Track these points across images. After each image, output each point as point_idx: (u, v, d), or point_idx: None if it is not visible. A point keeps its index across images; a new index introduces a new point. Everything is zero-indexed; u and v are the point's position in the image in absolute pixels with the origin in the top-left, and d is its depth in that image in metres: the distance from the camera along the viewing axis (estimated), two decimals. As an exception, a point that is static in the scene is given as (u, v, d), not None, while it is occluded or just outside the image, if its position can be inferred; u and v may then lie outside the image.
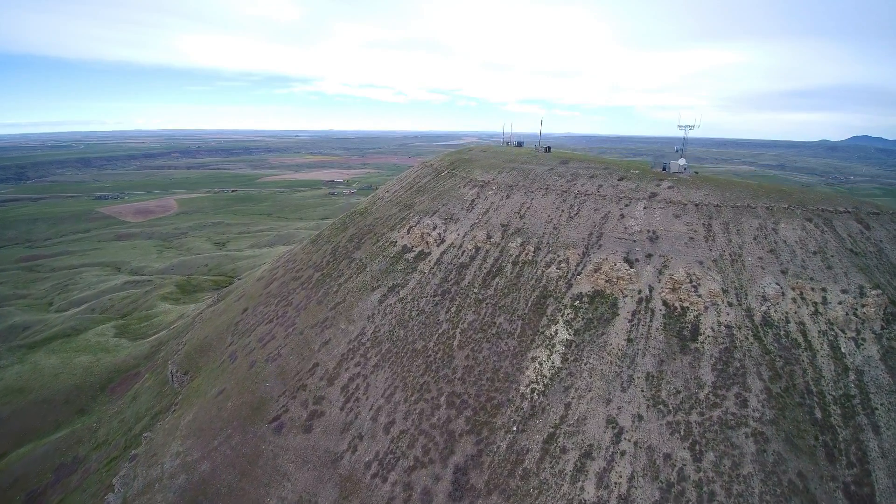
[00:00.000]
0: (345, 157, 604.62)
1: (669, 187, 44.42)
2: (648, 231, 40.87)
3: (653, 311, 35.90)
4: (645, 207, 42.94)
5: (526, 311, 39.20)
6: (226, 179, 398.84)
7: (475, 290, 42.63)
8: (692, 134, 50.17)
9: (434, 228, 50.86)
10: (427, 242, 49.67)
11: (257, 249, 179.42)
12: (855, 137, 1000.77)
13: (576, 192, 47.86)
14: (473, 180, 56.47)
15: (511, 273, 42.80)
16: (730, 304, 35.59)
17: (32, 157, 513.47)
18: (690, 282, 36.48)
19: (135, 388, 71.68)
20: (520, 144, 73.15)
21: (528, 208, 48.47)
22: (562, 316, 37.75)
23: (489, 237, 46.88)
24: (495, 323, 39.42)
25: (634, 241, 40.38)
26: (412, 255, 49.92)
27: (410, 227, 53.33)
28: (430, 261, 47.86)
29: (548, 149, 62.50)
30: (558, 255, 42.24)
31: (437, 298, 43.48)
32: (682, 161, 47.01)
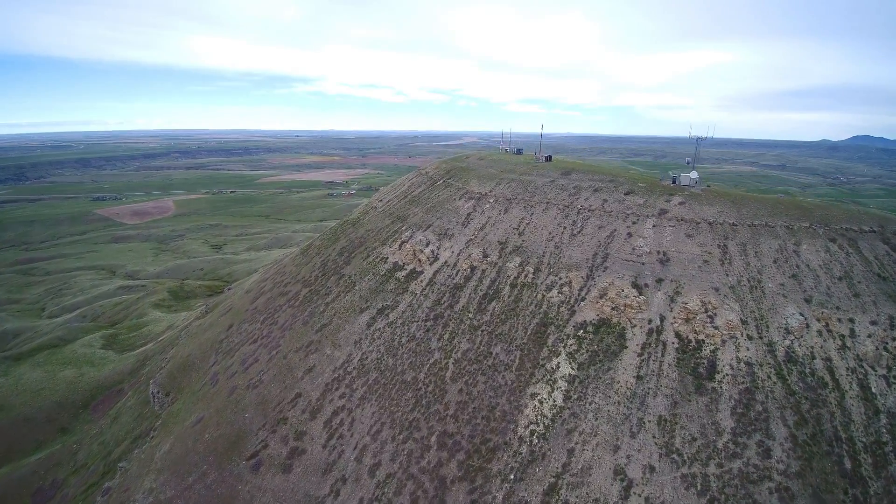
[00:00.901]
0: (344, 157, 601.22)
1: (680, 203, 41.11)
2: (658, 252, 37.60)
3: (664, 345, 32.65)
4: (654, 226, 39.65)
5: (525, 341, 36.00)
6: (225, 180, 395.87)
7: (470, 316, 39.44)
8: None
9: (427, 245, 47.65)
10: (419, 260, 46.48)
11: (254, 252, 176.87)
12: (856, 137, 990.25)
13: (579, 207, 44.58)
14: (470, 192, 53.20)
15: (509, 297, 39.60)
16: (749, 338, 32.32)
17: (32, 158, 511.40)
18: (706, 311, 33.22)
19: (117, 407, 68.95)
20: (519, 152, 69.69)
21: (528, 224, 45.22)
22: (564, 347, 34.53)
23: (485, 256, 43.68)
24: (491, 353, 36.24)
25: (643, 264, 37.11)
26: (403, 273, 46.73)
27: (402, 242, 50.14)
28: (422, 280, 44.67)
29: (549, 158, 59.11)
30: (560, 278, 39.01)
31: (428, 323, 40.30)
32: (693, 174, 43.59)
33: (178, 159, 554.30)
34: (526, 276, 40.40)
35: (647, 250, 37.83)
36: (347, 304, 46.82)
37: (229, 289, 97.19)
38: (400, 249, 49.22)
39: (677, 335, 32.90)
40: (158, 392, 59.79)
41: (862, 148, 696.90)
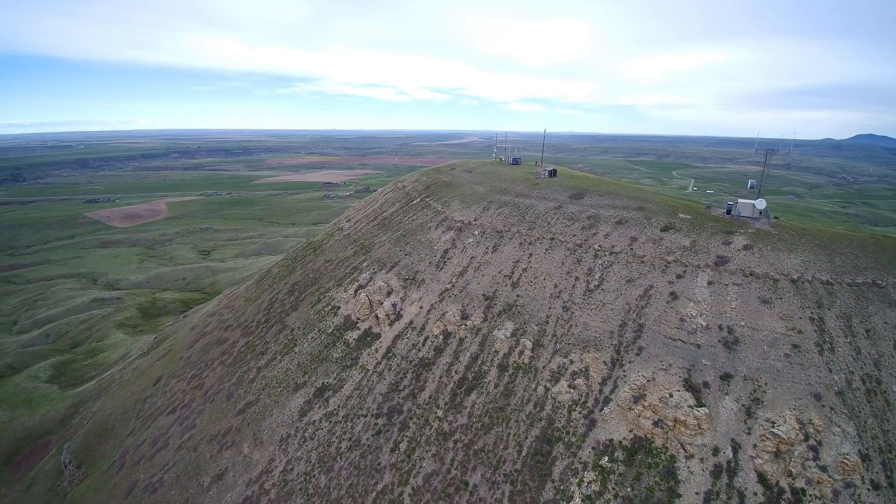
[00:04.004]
0: (344, 157, 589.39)
1: (746, 248, 28.43)
2: (720, 328, 25.06)
3: (742, 495, 20.24)
4: (710, 282, 27.07)
5: (518, 467, 23.75)
6: (221, 181, 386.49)
7: (439, 414, 27.24)
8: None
9: (388, 294, 35.46)
10: (377, 317, 34.32)
11: (242, 259, 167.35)
12: (859, 136, 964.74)
13: (596, 247, 32.05)
14: (449, 219, 40.78)
15: (496, 386, 27.33)
16: (874, 486, 19.80)
17: (30, 158, 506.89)
18: (806, 439, 20.70)
19: (37, 468, 58.15)
20: (516, 162, 56.78)
21: (525, 270, 32.80)
22: (579, 485, 22.24)
23: (465, 317, 31.39)
24: (468, 483, 24.06)
25: (699, 347, 24.61)
26: (355, 334, 34.60)
27: (359, 286, 38.00)
28: (377, 349, 32.52)
29: (553, 172, 46.10)
30: (571, 361, 26.63)
31: (380, 421, 28.19)
32: (759, 203, 30.85)
33: (177, 160, 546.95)
34: (521, 353, 28.07)
35: (704, 323, 25.29)
36: (281, 375, 34.83)
37: (185, 316, 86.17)
38: (355, 297, 37.10)
39: (761, 478, 20.44)
40: (70, 462, 48.76)
41: (866, 147, 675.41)
